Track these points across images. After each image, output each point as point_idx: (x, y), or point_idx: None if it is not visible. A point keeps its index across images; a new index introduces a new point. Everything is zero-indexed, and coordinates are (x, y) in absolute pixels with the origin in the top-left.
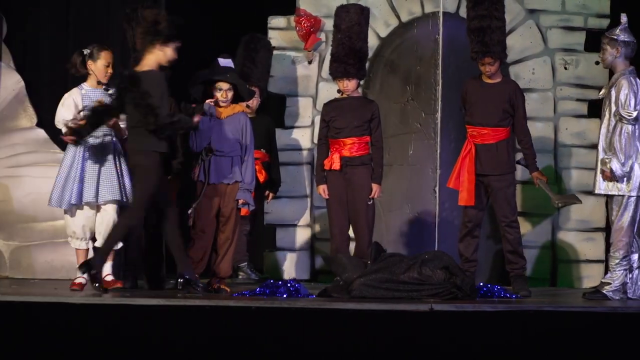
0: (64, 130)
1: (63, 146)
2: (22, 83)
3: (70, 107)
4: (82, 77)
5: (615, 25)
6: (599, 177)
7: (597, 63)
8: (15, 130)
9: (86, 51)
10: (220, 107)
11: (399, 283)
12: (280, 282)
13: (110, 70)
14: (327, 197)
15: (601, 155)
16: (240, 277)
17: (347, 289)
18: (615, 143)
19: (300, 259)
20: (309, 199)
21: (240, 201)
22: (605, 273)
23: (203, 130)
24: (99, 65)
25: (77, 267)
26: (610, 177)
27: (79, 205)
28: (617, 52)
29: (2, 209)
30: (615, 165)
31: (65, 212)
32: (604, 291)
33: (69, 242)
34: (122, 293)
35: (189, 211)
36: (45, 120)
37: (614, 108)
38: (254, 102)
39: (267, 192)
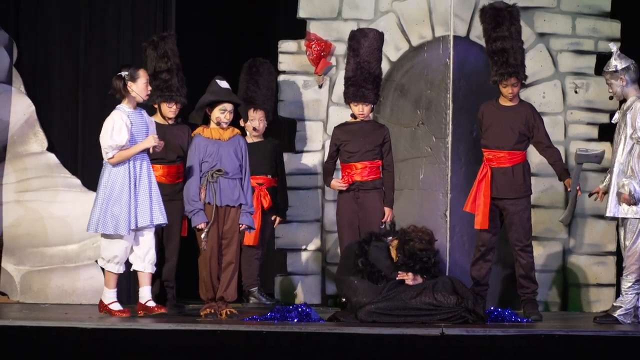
0: (111, 154)
1: (74, 170)
2: (33, 107)
3: (123, 131)
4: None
5: (610, 57)
6: (614, 200)
7: (610, 98)
8: (26, 155)
9: (124, 74)
10: (223, 128)
11: (409, 309)
12: (291, 307)
13: (150, 88)
14: (344, 185)
15: (618, 179)
16: (251, 301)
17: (355, 314)
18: (634, 165)
19: (311, 284)
20: (319, 224)
21: (243, 226)
22: (617, 297)
23: (210, 154)
24: (140, 85)
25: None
26: (629, 199)
27: (137, 229)
28: (623, 81)
29: (12, 234)
30: (635, 187)
31: (104, 236)
32: (615, 315)
33: (104, 265)
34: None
35: (203, 235)
36: (56, 144)
37: (630, 131)
38: (261, 125)
39: (274, 216)
